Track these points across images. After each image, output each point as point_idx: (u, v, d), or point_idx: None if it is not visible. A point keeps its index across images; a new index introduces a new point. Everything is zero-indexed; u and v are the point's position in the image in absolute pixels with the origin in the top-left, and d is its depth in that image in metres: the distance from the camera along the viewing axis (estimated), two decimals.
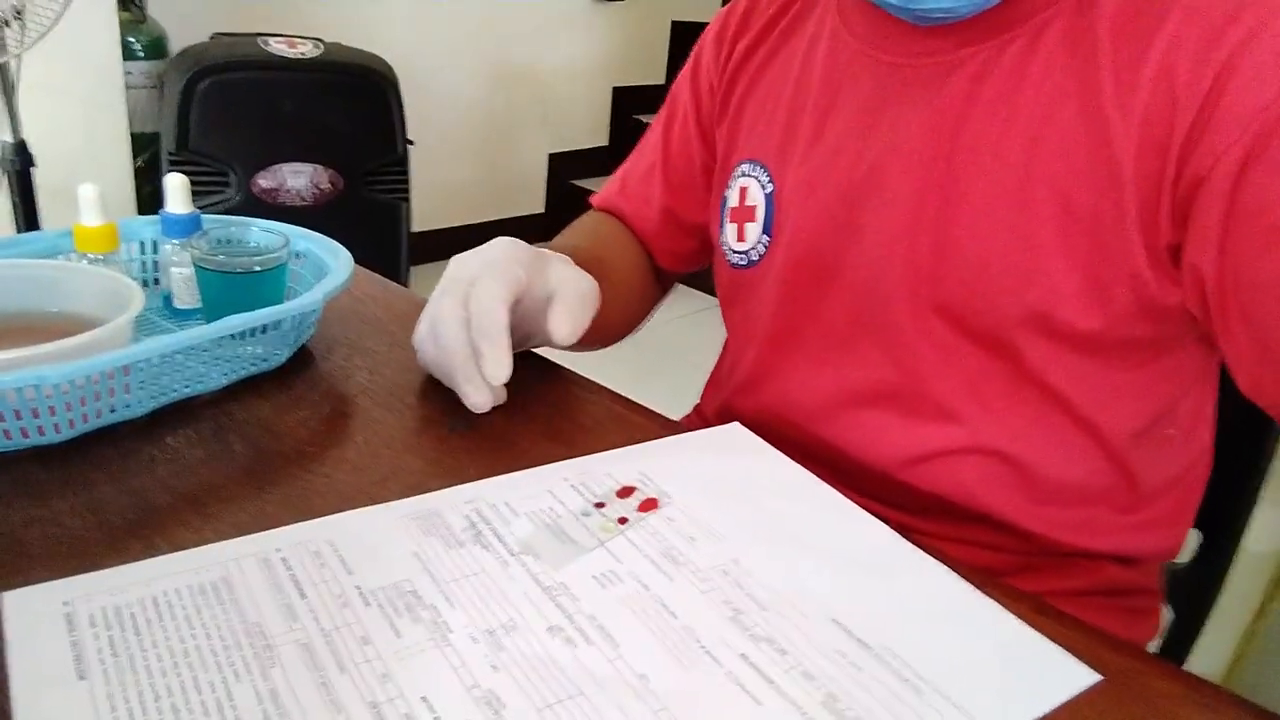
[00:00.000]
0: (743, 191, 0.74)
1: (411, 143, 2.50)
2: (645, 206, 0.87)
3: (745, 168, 0.75)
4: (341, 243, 0.75)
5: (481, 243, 0.64)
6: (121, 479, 0.54)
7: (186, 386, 0.62)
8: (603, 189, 0.92)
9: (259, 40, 2.36)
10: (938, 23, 0.63)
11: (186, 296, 0.72)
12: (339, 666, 0.42)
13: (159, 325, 0.72)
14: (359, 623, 0.44)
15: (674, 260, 0.89)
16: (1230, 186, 0.54)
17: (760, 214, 0.73)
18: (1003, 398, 0.64)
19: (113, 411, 0.58)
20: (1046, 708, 0.43)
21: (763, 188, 0.73)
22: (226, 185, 2.31)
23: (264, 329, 0.64)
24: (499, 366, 0.58)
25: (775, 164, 0.72)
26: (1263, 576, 1.35)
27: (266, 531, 0.50)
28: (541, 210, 3.39)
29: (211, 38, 2.44)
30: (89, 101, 2.23)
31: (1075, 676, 0.45)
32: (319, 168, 2.38)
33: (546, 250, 0.67)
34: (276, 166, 2.34)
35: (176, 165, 2.23)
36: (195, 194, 0.75)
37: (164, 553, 0.48)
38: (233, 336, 0.62)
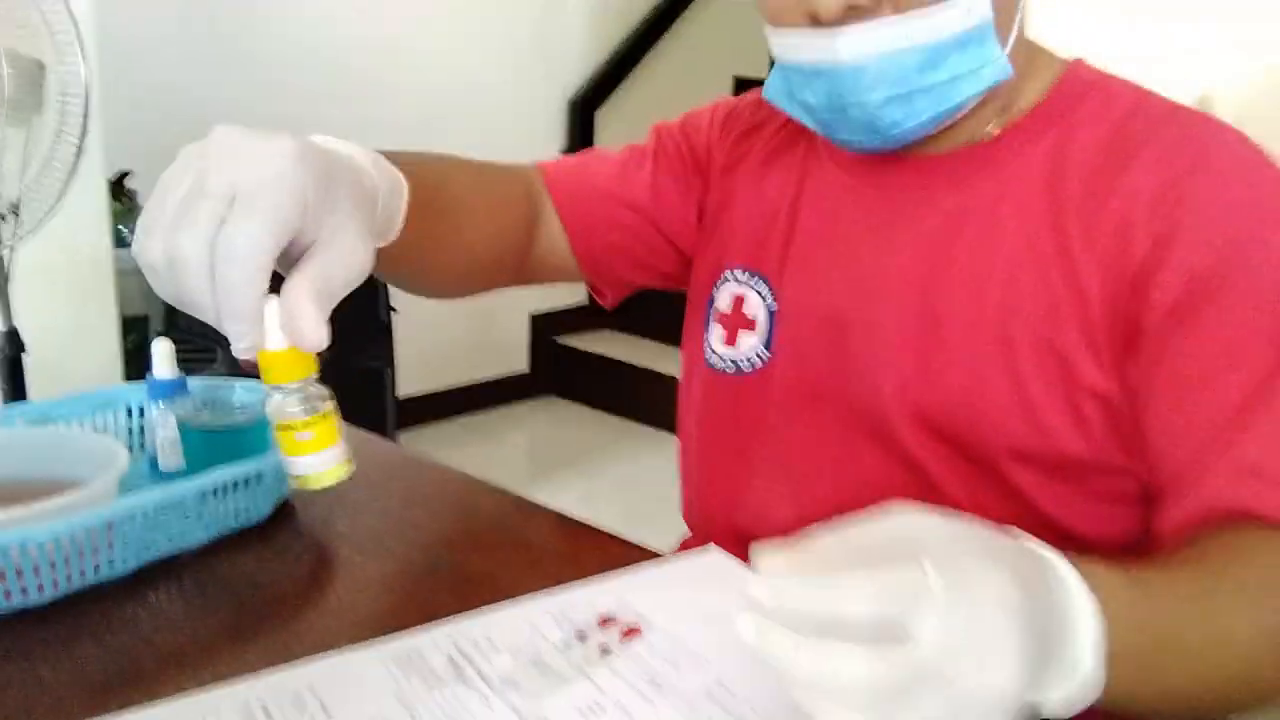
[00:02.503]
0: (738, 299, 0.75)
1: (395, 310, 2.56)
2: (581, 180, 0.80)
3: (739, 275, 0.75)
4: None
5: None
6: (104, 637, 0.55)
7: (170, 543, 0.63)
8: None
9: None
10: (898, 141, 0.64)
11: (171, 459, 0.74)
12: None
13: (144, 489, 0.73)
14: None
15: (596, 246, 0.80)
16: (1157, 339, 0.57)
17: (761, 327, 0.74)
18: (998, 512, 0.64)
19: (96, 570, 0.59)
20: None
21: (764, 301, 0.74)
22: (212, 360, 2.35)
23: (245, 482, 0.65)
24: (251, 346, 0.47)
25: (776, 280, 0.73)
26: None
27: (245, 678, 0.50)
28: (526, 370, 3.44)
29: None
30: (80, 289, 2.29)
31: None
32: None
33: (353, 154, 0.54)
34: None
35: None
36: (183, 368, 0.77)
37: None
38: (214, 492, 0.64)
